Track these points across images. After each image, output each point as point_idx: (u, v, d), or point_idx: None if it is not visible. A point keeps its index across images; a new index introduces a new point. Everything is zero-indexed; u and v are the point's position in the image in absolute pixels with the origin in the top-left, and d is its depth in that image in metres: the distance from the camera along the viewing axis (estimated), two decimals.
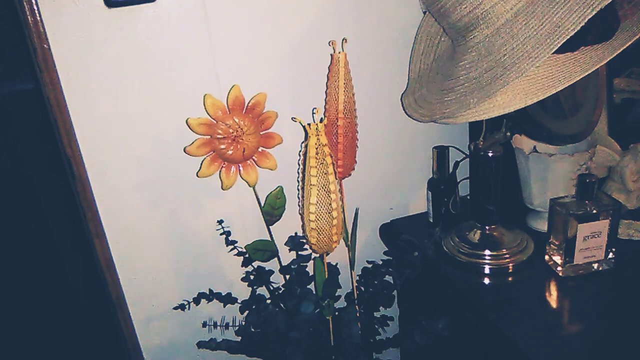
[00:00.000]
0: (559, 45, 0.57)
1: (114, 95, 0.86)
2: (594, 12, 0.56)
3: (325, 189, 0.71)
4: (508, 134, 0.86)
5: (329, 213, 0.72)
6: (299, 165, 0.96)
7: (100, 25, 0.81)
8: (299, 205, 0.95)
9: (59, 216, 1.98)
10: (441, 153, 1.00)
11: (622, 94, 1.14)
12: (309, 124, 0.69)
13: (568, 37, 0.57)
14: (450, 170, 1.03)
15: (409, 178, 1.13)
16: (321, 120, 0.70)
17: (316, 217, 0.72)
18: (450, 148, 1.01)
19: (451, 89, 0.72)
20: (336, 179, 0.73)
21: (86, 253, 0.95)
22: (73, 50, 0.81)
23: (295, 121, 0.73)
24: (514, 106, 0.63)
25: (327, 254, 0.83)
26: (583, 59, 0.63)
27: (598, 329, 0.76)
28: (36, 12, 0.77)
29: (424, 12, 0.97)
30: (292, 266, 0.86)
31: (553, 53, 0.59)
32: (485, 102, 0.63)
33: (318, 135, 0.69)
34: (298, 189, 0.96)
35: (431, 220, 1.05)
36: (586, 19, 0.56)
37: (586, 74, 0.60)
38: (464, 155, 1.09)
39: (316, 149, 0.69)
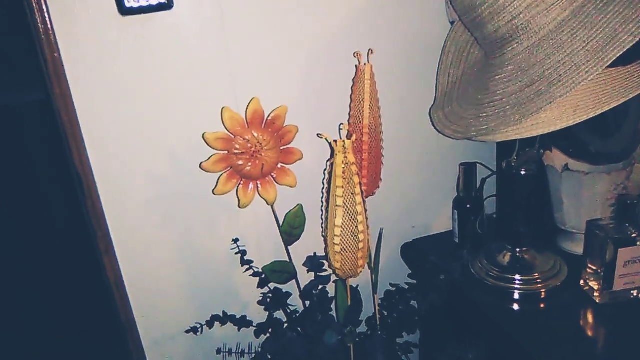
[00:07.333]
0: (615, 57, 0.52)
1: (126, 108, 0.82)
2: None
3: (352, 211, 0.66)
4: (542, 151, 0.81)
5: (355, 236, 0.67)
6: (323, 184, 0.91)
7: (114, 34, 0.78)
8: (322, 227, 0.90)
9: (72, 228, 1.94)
10: (469, 170, 0.95)
11: None
12: (335, 141, 0.65)
13: (625, 48, 0.52)
14: (477, 187, 0.98)
15: (432, 196, 1.08)
16: (349, 137, 0.65)
17: (341, 240, 0.67)
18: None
19: (488, 104, 0.67)
20: (363, 199, 0.68)
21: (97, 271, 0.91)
22: (85, 59, 0.78)
23: (322, 137, 0.68)
24: (563, 123, 0.58)
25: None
26: (637, 73, 0.58)
27: None
28: (47, 19, 0.74)
29: (451, 22, 0.92)
30: (314, 291, 0.80)
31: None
32: (529, 118, 0.58)
33: (345, 153, 0.64)
34: (322, 210, 0.91)
35: (457, 241, 1.00)
36: None
37: None
38: (490, 172, 1.03)
39: (343, 167, 0.65)
